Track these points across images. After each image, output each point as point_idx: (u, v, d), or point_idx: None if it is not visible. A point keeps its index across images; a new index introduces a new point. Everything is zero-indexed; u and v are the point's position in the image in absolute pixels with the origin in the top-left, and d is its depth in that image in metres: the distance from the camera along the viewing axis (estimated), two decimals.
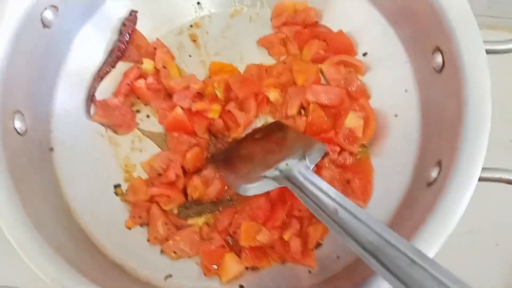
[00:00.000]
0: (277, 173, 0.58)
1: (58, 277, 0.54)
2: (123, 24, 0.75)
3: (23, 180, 0.59)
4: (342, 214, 0.47)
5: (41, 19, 0.63)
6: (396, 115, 0.71)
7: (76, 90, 0.73)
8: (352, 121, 0.70)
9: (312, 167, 0.58)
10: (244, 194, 0.61)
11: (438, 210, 0.52)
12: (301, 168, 0.56)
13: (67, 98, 0.71)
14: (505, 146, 1.03)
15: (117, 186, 0.72)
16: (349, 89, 0.74)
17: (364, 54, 0.76)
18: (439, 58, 0.63)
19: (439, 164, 0.58)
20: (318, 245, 0.67)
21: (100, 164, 0.72)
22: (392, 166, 0.69)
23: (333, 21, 0.78)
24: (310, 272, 0.65)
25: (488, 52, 0.58)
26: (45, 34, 0.65)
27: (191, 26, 0.80)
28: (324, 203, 0.49)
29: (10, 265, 0.73)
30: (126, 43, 0.75)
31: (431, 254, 0.51)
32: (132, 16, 0.76)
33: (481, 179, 0.52)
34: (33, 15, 0.62)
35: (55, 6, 0.65)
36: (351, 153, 0.71)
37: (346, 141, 0.71)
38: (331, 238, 0.67)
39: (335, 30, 0.77)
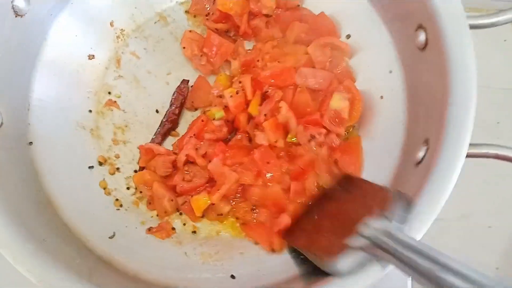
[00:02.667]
0: (362, 240, 0.49)
1: (42, 273, 0.52)
2: (175, 94, 0.74)
3: (2, 176, 0.57)
4: (440, 273, 0.41)
5: (13, 7, 0.61)
6: (382, 97, 0.71)
7: (54, 81, 0.71)
8: (338, 102, 0.69)
9: (403, 226, 0.50)
10: (335, 274, 0.50)
11: (427, 188, 0.51)
12: (389, 229, 0.47)
13: (45, 89, 0.69)
14: (492, 128, 1.03)
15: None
16: (335, 71, 0.73)
17: (348, 36, 0.75)
18: (422, 36, 0.62)
19: (426, 142, 0.58)
20: None
21: (82, 157, 0.70)
22: (380, 148, 0.68)
23: (314, 4, 0.77)
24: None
25: (471, 27, 0.57)
26: (18, 24, 0.63)
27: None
28: (420, 265, 0.42)
29: None
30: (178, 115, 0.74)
31: (421, 232, 0.51)
32: (183, 86, 0.75)
33: (468, 155, 0.51)
34: (3, 3, 0.60)
35: None
36: (338, 135, 0.70)
37: (333, 123, 0.70)
38: None
39: (317, 13, 0.76)
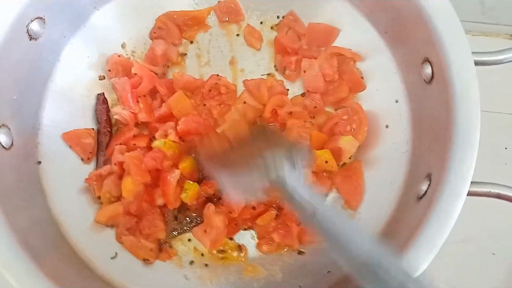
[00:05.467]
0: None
1: None
2: (96, 110, 0.73)
3: (8, 195, 0.58)
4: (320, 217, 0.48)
5: (27, 31, 0.63)
6: (387, 126, 0.71)
7: (65, 101, 0.72)
8: (346, 144, 0.70)
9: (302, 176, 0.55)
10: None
11: (428, 226, 0.51)
12: (292, 177, 0.53)
13: (55, 110, 0.70)
14: (500, 153, 1.03)
15: None
16: (344, 77, 0.74)
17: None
18: (428, 69, 0.62)
19: (428, 177, 0.58)
20: (300, 253, 0.69)
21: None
22: (382, 177, 0.69)
23: None
24: (300, 287, 0.64)
25: (477, 63, 0.57)
26: (32, 46, 0.64)
27: None
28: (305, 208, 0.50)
29: None
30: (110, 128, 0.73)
31: (422, 268, 0.51)
32: (100, 100, 0.74)
33: (470, 194, 0.52)
34: (19, 27, 0.61)
35: (41, 18, 0.64)
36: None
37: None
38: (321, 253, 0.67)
39: None
